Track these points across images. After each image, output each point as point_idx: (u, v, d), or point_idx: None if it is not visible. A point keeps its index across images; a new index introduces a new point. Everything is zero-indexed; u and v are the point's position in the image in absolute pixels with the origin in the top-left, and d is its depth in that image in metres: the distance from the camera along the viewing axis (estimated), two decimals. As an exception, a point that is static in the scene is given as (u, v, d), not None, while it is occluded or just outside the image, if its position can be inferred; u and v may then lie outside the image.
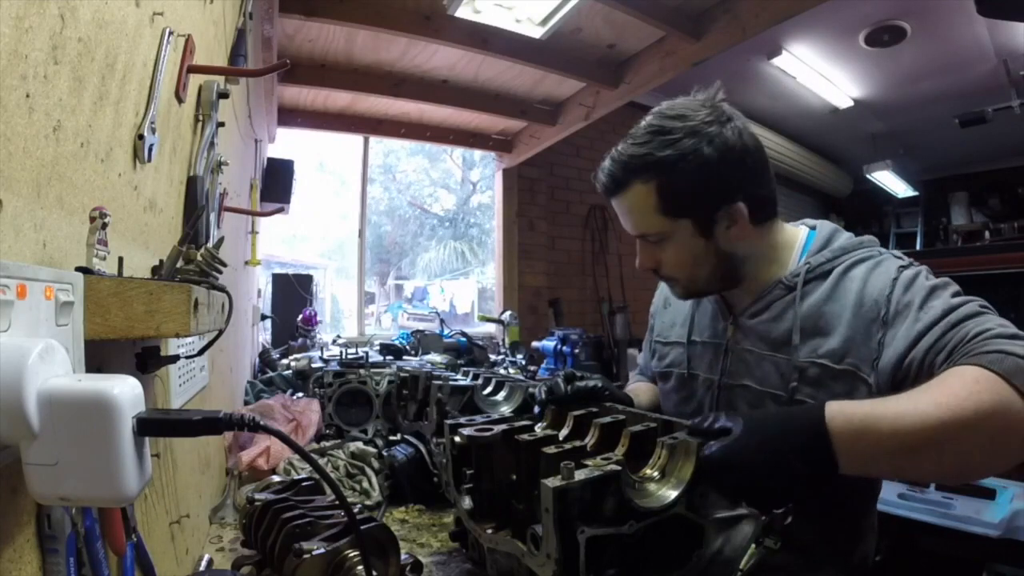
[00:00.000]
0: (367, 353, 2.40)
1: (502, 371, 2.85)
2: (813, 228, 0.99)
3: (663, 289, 1.18)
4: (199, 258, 0.71)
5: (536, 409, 0.97)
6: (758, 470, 0.63)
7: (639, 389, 1.20)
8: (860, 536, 0.96)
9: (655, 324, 1.19)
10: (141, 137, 0.70)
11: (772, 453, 0.63)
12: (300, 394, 2.23)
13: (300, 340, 3.25)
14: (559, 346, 3.48)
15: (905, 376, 0.78)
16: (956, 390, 0.64)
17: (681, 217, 0.89)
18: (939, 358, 0.74)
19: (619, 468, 0.62)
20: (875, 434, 0.63)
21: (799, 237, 0.97)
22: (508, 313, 3.95)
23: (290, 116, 3.64)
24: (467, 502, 0.84)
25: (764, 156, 0.90)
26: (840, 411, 0.65)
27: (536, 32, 2.76)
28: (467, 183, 9.74)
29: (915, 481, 0.67)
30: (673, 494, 0.65)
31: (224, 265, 0.76)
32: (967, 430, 0.62)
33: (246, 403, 2.16)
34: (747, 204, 0.88)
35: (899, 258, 0.88)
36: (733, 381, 0.96)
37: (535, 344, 3.73)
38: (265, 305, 3.55)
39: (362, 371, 1.93)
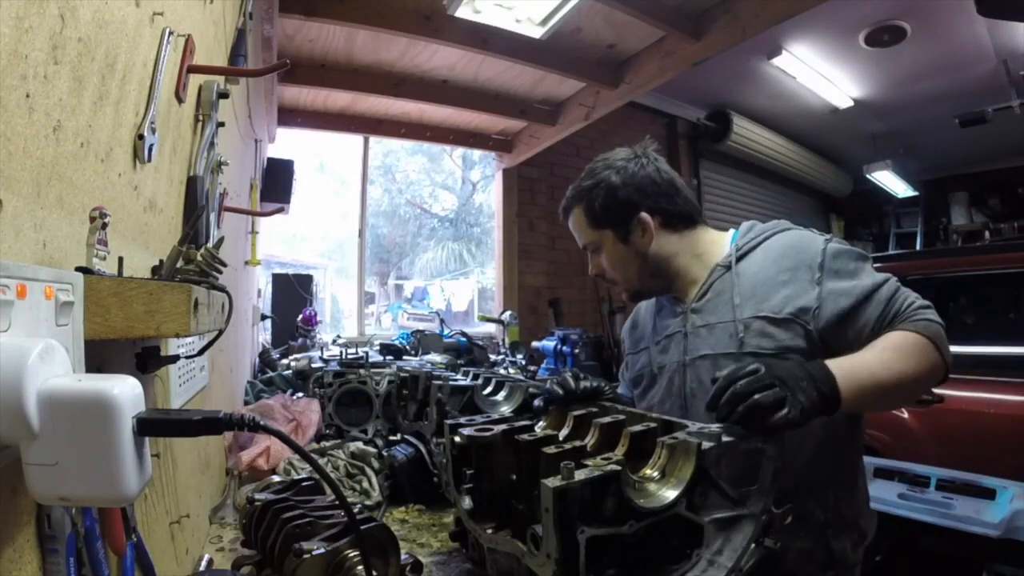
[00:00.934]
0: (367, 353, 2.40)
1: (502, 371, 2.85)
2: (737, 228, 1.21)
3: (632, 314, 1.36)
4: (199, 258, 0.71)
5: (537, 402, 1.02)
6: (790, 372, 0.77)
7: None
8: (852, 499, 1.07)
9: (626, 345, 1.35)
10: (141, 137, 0.70)
11: (799, 369, 0.80)
12: (300, 394, 2.23)
13: (300, 340, 3.25)
14: (559, 346, 3.48)
15: (857, 334, 0.98)
16: (908, 350, 0.91)
17: (604, 228, 1.15)
18: (882, 325, 0.98)
19: (619, 468, 0.62)
20: (859, 376, 0.84)
21: (726, 235, 1.18)
22: (508, 313, 3.95)
23: (290, 116, 3.64)
24: (467, 502, 0.84)
25: (673, 182, 1.16)
26: (833, 362, 0.83)
27: (536, 32, 2.76)
28: (467, 183, 9.74)
29: (884, 409, 0.93)
30: (673, 494, 0.65)
31: (224, 265, 0.76)
32: (919, 379, 0.92)
33: (246, 403, 2.16)
34: (656, 215, 1.13)
35: (819, 233, 1.09)
36: (693, 356, 1.10)
37: (535, 344, 3.74)
38: (265, 305, 3.55)
39: (362, 371, 1.93)
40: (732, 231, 1.18)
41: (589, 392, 0.99)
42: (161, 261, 0.78)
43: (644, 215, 1.12)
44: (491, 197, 5.34)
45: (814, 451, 1.00)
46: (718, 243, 1.16)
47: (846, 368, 0.83)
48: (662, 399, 1.15)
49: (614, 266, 1.17)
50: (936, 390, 2.68)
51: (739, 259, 1.09)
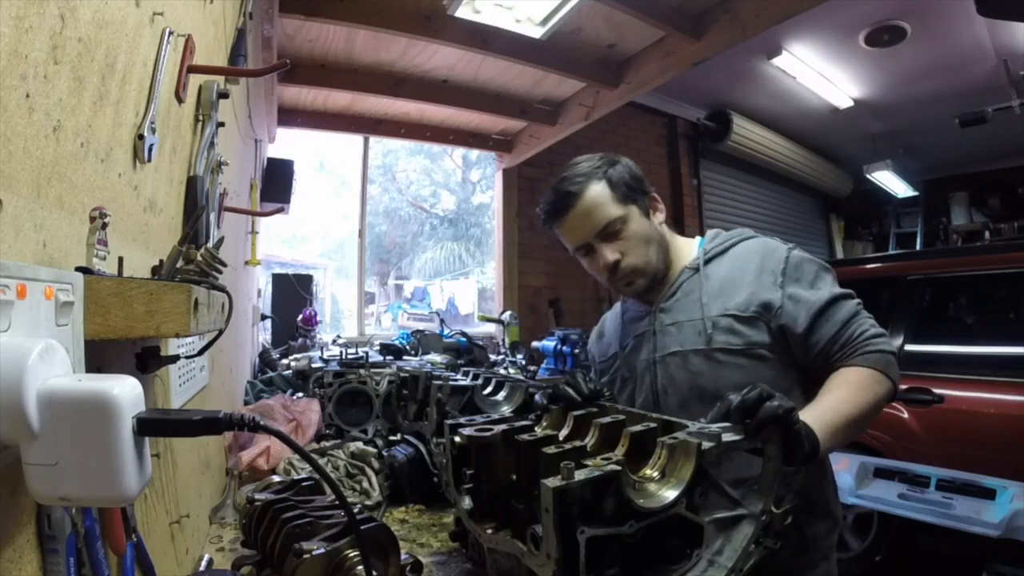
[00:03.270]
0: (367, 353, 2.40)
1: (502, 371, 2.85)
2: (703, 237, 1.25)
3: (598, 325, 1.40)
4: (199, 258, 0.71)
5: (539, 398, 1.06)
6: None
7: None
8: (822, 486, 1.10)
9: (595, 355, 1.37)
10: (141, 137, 0.70)
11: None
12: (300, 394, 2.23)
13: (300, 340, 3.25)
14: (559, 346, 3.48)
15: (810, 348, 1.04)
16: (866, 386, 0.97)
17: (629, 202, 1.13)
18: (834, 348, 1.03)
19: (619, 468, 0.62)
20: (833, 422, 0.89)
21: (693, 242, 1.23)
22: (508, 313, 3.95)
23: (290, 116, 3.64)
24: (467, 502, 0.83)
25: None
26: (808, 418, 0.84)
27: (536, 32, 2.76)
28: (467, 183, 9.73)
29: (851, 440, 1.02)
30: (673, 494, 0.65)
31: (224, 265, 0.76)
32: (877, 407, 0.97)
33: (246, 403, 2.16)
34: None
35: (784, 242, 1.14)
36: (663, 353, 1.13)
37: (535, 344, 3.73)
38: (265, 305, 3.55)
39: (362, 371, 1.93)
40: (698, 238, 1.23)
41: (595, 394, 1.00)
42: (161, 261, 0.78)
43: (655, 194, 1.17)
44: (491, 197, 5.34)
45: None
46: (686, 248, 1.21)
47: (824, 421, 0.87)
48: (635, 396, 1.18)
49: (639, 244, 1.13)
50: (936, 390, 2.70)
51: (706, 262, 1.15)
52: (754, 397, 0.71)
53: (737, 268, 1.11)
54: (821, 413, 0.89)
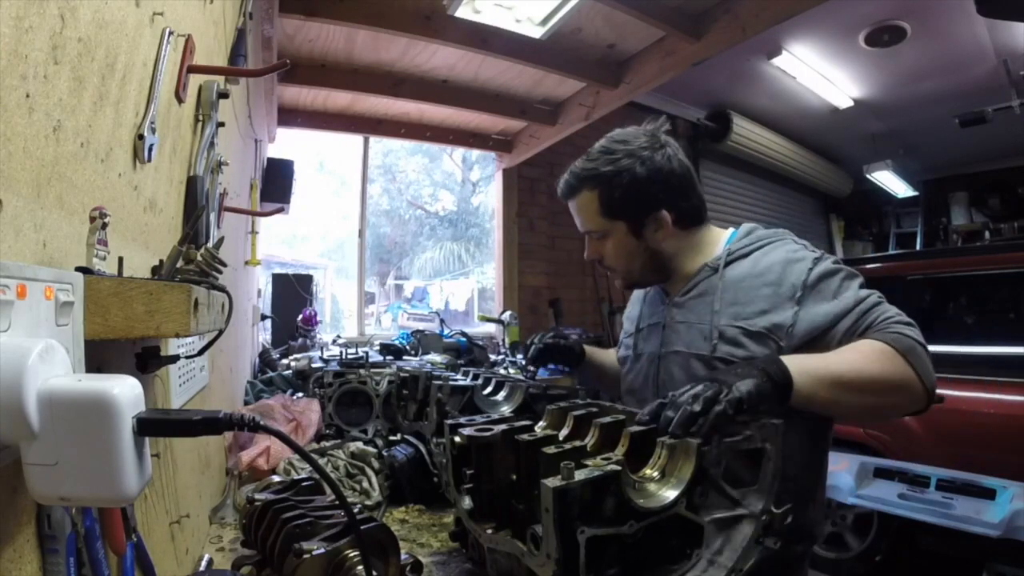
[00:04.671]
0: (367, 353, 2.39)
1: (502, 371, 2.85)
2: (737, 228, 1.19)
3: (632, 296, 1.39)
4: (199, 258, 0.71)
5: (532, 352, 1.30)
6: (723, 371, 0.83)
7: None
8: (809, 510, 1.06)
9: (625, 323, 1.37)
10: (141, 137, 0.70)
11: (736, 365, 0.87)
12: (300, 394, 2.23)
13: (300, 340, 3.25)
14: (559, 346, 3.47)
15: (826, 346, 0.98)
16: (869, 354, 0.90)
17: (617, 219, 1.11)
18: (852, 336, 0.97)
19: (619, 468, 0.62)
20: (809, 364, 0.86)
21: (724, 235, 1.17)
22: (508, 313, 3.95)
23: (290, 116, 3.64)
24: (467, 502, 0.83)
25: (691, 176, 1.12)
26: (793, 364, 0.84)
27: (536, 32, 2.76)
28: (467, 183, 9.74)
29: (840, 415, 1.07)
30: (673, 494, 0.65)
31: (224, 265, 0.76)
32: (885, 385, 0.89)
33: (246, 403, 2.16)
34: (672, 213, 1.10)
35: (812, 250, 1.08)
36: (667, 350, 1.13)
37: (535, 344, 3.73)
38: (265, 305, 3.55)
39: (362, 371, 1.93)
40: (731, 231, 1.17)
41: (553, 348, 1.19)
42: (161, 261, 0.78)
43: (664, 213, 1.08)
44: (491, 197, 5.34)
45: None
46: (715, 242, 1.15)
47: (795, 358, 0.86)
48: (641, 386, 1.19)
49: (618, 257, 1.14)
50: (936, 390, 2.69)
51: (728, 263, 1.09)
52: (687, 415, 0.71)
53: (755, 276, 1.05)
54: (802, 359, 0.86)
